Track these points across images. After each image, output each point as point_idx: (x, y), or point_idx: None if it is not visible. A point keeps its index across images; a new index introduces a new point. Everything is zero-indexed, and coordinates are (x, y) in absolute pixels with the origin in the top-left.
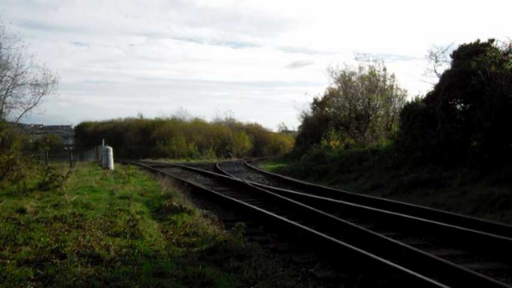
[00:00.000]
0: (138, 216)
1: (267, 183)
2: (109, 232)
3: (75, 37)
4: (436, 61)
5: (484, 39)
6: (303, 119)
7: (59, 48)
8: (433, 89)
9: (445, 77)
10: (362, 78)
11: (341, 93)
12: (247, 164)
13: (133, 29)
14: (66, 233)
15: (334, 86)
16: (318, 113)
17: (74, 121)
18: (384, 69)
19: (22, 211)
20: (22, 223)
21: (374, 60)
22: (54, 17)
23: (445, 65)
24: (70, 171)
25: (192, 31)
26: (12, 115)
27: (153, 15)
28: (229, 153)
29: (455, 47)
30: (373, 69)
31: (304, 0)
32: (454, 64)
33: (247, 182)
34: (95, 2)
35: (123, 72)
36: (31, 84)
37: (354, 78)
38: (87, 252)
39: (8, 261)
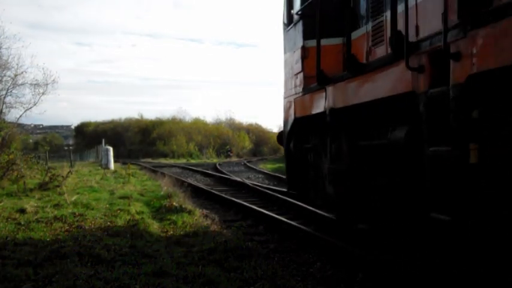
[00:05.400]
0: (138, 216)
1: (267, 183)
2: (109, 232)
3: (78, 38)
4: None
5: None
6: None
7: (61, 49)
8: None
9: None
10: None
11: None
12: (247, 164)
13: (135, 30)
14: (66, 233)
15: None
16: None
17: (74, 121)
18: None
19: (22, 211)
20: (22, 223)
21: None
22: (57, 18)
23: None
24: (70, 171)
25: (194, 31)
26: (12, 115)
27: (155, 16)
28: (229, 153)
29: None
30: None
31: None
32: None
33: (247, 181)
34: (97, 3)
35: (125, 73)
36: (31, 84)
37: None
38: (87, 252)
39: (8, 261)
